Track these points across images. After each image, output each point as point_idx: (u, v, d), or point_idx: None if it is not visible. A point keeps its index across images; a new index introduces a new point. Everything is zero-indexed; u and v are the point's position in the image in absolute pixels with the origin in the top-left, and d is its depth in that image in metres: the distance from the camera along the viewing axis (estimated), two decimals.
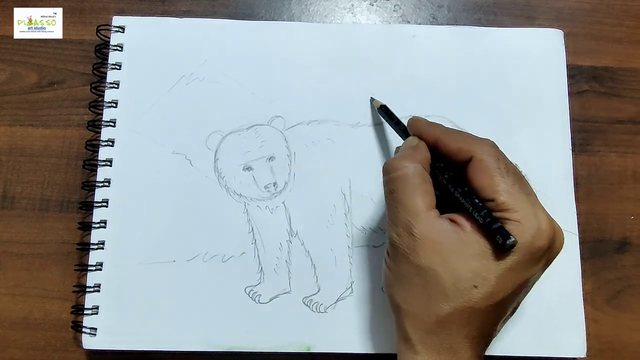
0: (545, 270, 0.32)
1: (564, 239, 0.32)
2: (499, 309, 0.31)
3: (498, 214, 0.30)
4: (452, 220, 0.31)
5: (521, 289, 0.31)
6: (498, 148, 0.33)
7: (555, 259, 0.32)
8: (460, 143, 0.33)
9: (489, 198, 0.31)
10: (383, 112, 0.41)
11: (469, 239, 0.30)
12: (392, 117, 0.40)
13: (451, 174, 0.33)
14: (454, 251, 0.30)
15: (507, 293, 0.30)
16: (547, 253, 0.31)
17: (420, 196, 0.31)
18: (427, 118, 0.42)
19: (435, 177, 0.33)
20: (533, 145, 0.43)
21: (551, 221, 0.31)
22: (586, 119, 0.45)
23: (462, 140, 0.33)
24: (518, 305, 0.33)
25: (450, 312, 0.30)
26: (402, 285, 0.32)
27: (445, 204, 0.32)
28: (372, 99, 0.43)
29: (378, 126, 0.43)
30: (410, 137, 0.36)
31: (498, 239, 0.29)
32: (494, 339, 0.33)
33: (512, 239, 0.29)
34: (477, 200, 0.31)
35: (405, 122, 0.38)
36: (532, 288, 0.33)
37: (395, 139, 0.42)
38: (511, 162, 0.33)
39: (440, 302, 0.30)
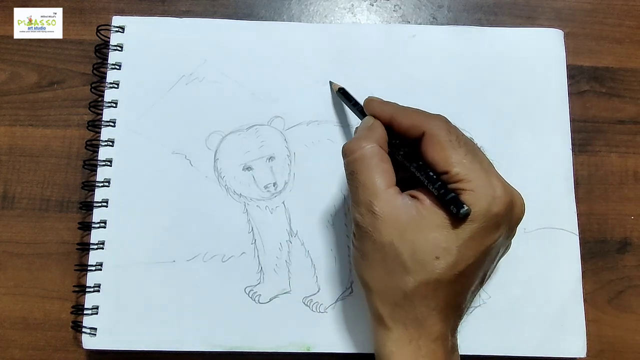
0: (511, 240, 0.34)
1: (524, 204, 0.33)
2: (465, 278, 0.31)
3: (453, 185, 0.31)
4: (412, 196, 0.32)
5: (484, 256, 0.31)
6: (449, 122, 0.33)
7: (518, 225, 0.33)
8: (412, 120, 0.33)
9: (443, 171, 0.31)
10: (341, 95, 0.41)
11: (428, 212, 0.31)
12: (350, 99, 0.40)
13: (406, 150, 0.34)
14: (412, 225, 0.31)
15: (470, 262, 0.31)
16: (506, 219, 0.31)
17: (379, 175, 0.32)
18: None
19: (393, 155, 0.34)
20: (533, 145, 0.43)
21: (507, 187, 0.31)
22: (586, 119, 0.45)
23: (413, 117, 0.34)
24: (485, 275, 0.34)
25: (415, 285, 0.30)
26: (368, 264, 0.33)
27: (406, 182, 0.33)
28: (331, 83, 0.43)
29: None
30: (366, 117, 0.36)
31: (452, 208, 0.30)
32: (466, 314, 0.34)
33: (466, 208, 0.29)
34: (431, 173, 0.31)
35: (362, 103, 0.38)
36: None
37: None
38: (464, 134, 0.33)
39: (403, 276, 0.31)
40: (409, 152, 0.34)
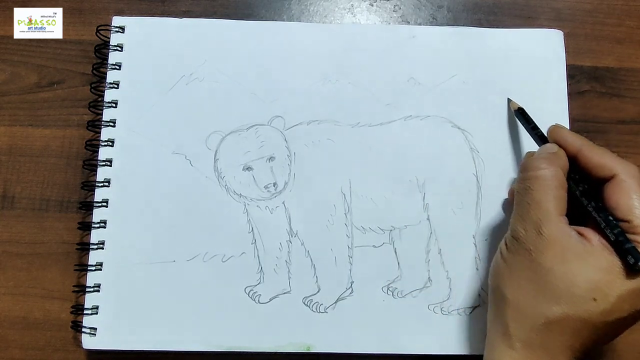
0: None
1: None
2: (609, 328, 0.31)
3: (631, 236, 0.31)
4: (579, 233, 0.32)
5: (636, 315, 0.31)
6: None
7: None
8: (604, 159, 0.34)
9: (623, 218, 0.31)
10: (520, 115, 0.41)
11: (595, 252, 0.31)
12: (529, 122, 0.40)
13: (586, 187, 0.34)
14: (578, 259, 0.31)
15: (623, 315, 0.30)
16: None
17: (555, 199, 0.32)
18: (427, 118, 0.43)
19: (568, 188, 0.34)
20: (532, 145, 0.42)
21: None
22: (587, 119, 0.45)
23: (606, 156, 0.34)
24: (623, 332, 0.33)
25: (561, 317, 0.30)
26: (516, 279, 0.32)
27: (571, 217, 0.33)
28: (509, 100, 0.43)
29: (378, 126, 0.43)
30: (550, 144, 0.36)
31: (630, 259, 0.30)
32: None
33: None
34: (611, 218, 0.32)
35: (541, 128, 0.39)
36: None
37: (396, 138, 0.42)
38: None
39: (552, 304, 0.31)
40: (588, 189, 0.34)
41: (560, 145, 0.36)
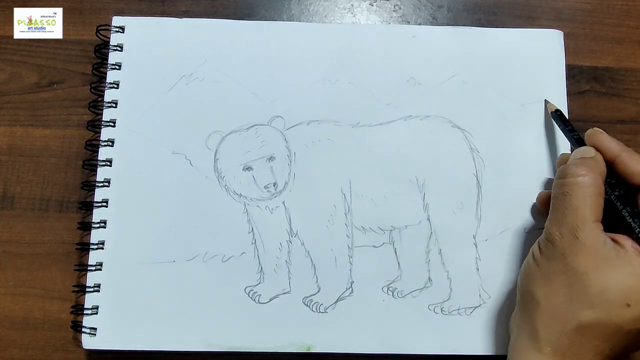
0: None
1: None
2: None
3: None
4: (613, 239, 0.32)
5: None
6: None
7: None
8: None
9: None
10: (557, 117, 0.41)
11: (629, 257, 0.31)
12: (567, 124, 0.40)
13: (622, 192, 0.34)
14: (611, 264, 0.31)
15: None
16: None
17: (592, 206, 0.33)
18: (427, 118, 0.43)
19: (605, 192, 0.34)
20: (532, 145, 0.43)
21: None
22: (587, 119, 0.45)
23: None
24: None
25: (594, 322, 0.30)
26: (548, 283, 0.33)
27: (604, 222, 0.33)
28: (546, 102, 0.43)
29: (378, 126, 0.43)
30: (587, 147, 0.36)
31: None
32: None
33: None
34: None
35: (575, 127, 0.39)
36: None
37: (396, 138, 0.42)
38: None
39: (584, 309, 0.31)
40: (623, 195, 0.34)
41: (597, 150, 0.36)
